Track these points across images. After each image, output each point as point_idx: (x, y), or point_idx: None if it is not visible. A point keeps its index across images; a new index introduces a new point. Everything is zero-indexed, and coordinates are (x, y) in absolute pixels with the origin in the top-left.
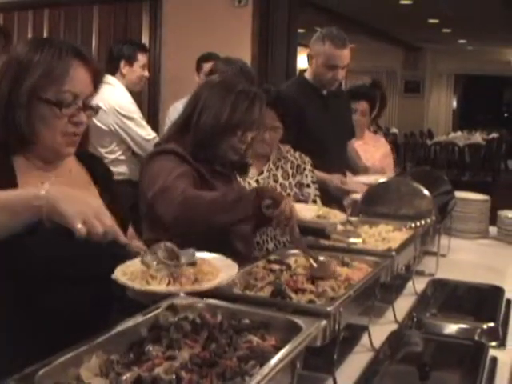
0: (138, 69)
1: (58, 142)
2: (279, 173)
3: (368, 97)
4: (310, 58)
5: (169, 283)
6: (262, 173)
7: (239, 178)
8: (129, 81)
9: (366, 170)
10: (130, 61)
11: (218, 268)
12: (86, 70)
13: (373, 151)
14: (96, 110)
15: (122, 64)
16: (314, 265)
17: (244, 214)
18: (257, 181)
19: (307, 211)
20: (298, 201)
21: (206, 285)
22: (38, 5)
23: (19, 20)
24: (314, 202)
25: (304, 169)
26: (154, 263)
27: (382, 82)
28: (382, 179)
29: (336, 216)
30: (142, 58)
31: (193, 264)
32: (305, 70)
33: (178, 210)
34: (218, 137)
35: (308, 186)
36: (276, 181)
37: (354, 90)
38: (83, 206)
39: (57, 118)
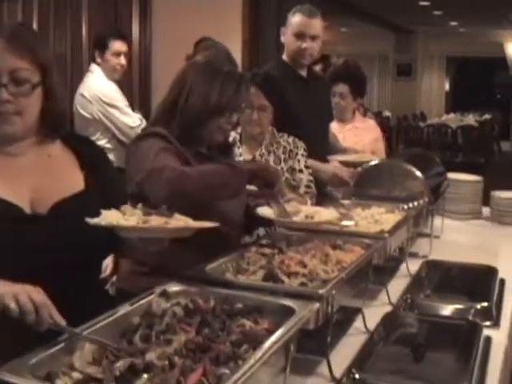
0: (110, 57)
1: None
2: (271, 158)
3: (345, 78)
4: (282, 34)
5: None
6: (253, 158)
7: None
8: (105, 69)
9: (344, 152)
10: (102, 49)
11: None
12: (5, 44)
13: (362, 134)
14: (28, 85)
15: (96, 52)
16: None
17: (238, 184)
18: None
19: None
20: (289, 185)
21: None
22: None
23: (9, 10)
24: (307, 187)
25: (296, 154)
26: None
27: (374, 66)
28: (362, 157)
29: (322, 215)
30: (114, 46)
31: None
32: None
33: (166, 190)
34: (206, 118)
35: (301, 171)
36: None
37: (331, 73)
38: (15, 289)
39: None
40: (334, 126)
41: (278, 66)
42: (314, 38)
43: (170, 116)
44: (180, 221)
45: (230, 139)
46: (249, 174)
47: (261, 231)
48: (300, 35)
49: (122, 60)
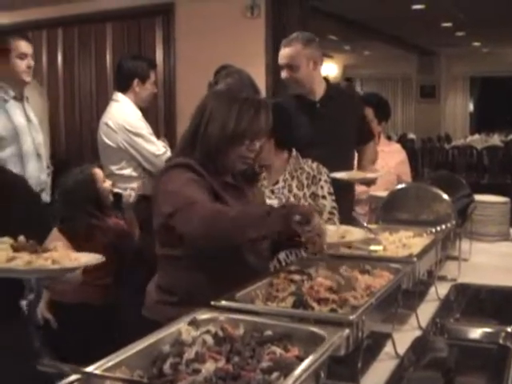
0: (150, 86)
1: None
2: (294, 183)
3: (368, 101)
4: None
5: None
6: (277, 182)
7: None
8: (140, 98)
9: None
10: (144, 79)
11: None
12: None
13: (388, 158)
14: None
15: (136, 82)
16: (341, 282)
17: (271, 230)
18: (272, 191)
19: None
20: None
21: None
22: (52, 24)
23: (34, 39)
24: (331, 213)
25: (320, 179)
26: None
27: (397, 88)
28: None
29: (353, 234)
30: (152, 75)
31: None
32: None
33: (200, 226)
34: (226, 146)
35: (324, 197)
36: (290, 191)
37: None
38: None
39: None
40: None
41: (287, 99)
42: (290, 67)
43: (192, 146)
44: (48, 260)
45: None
46: (282, 220)
47: (281, 256)
48: (280, 66)
49: (155, 88)
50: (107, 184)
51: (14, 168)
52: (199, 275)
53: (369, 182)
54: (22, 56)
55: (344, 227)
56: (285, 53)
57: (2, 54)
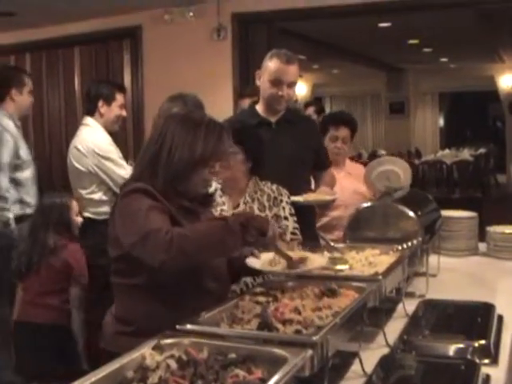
0: (116, 108)
1: None
2: (255, 205)
3: (348, 122)
4: (258, 77)
5: None
6: (238, 206)
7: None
8: (107, 121)
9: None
10: (108, 100)
11: None
12: None
13: (357, 181)
14: None
15: (100, 103)
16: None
17: (233, 248)
18: (233, 214)
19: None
20: None
21: None
22: (20, 49)
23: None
24: (293, 234)
25: (281, 201)
26: None
27: (367, 105)
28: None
29: (313, 262)
30: (119, 98)
31: None
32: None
33: (164, 254)
34: (193, 170)
35: (286, 218)
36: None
37: (331, 117)
38: None
39: None
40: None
41: (247, 115)
42: (290, 84)
43: (152, 171)
44: None
45: (211, 189)
46: (240, 228)
47: (248, 279)
48: (277, 82)
49: (124, 112)
50: (79, 219)
51: (31, 189)
52: (157, 303)
53: (325, 205)
54: (31, 92)
55: (302, 253)
56: (290, 70)
57: (19, 88)
